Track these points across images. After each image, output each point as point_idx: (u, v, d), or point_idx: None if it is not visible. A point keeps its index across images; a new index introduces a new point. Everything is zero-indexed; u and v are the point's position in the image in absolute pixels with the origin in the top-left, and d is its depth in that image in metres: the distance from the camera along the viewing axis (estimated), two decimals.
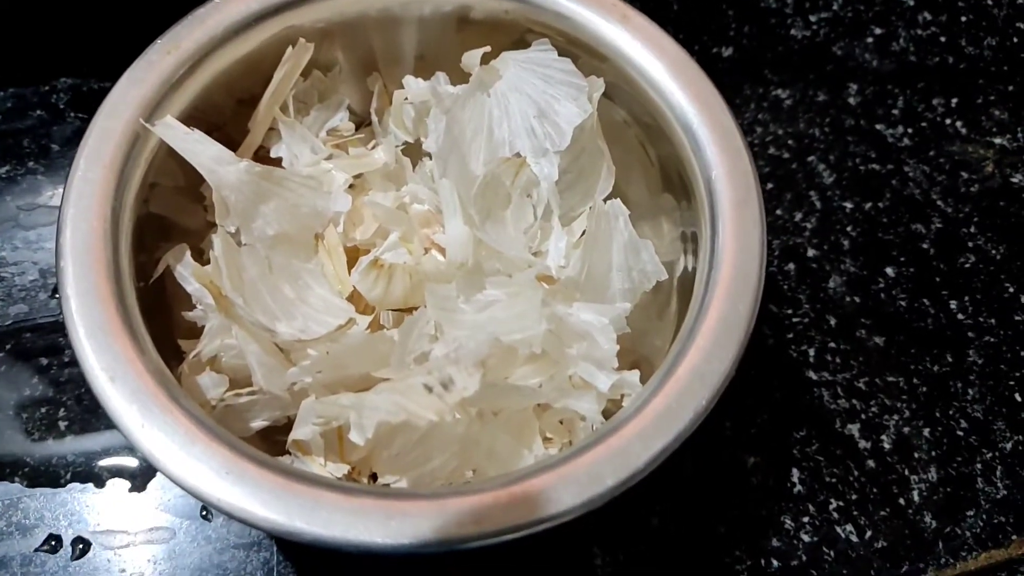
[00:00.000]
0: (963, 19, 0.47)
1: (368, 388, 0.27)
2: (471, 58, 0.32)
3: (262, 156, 0.32)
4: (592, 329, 0.28)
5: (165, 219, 0.30)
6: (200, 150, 0.29)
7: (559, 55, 0.31)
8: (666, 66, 0.30)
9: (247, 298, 0.28)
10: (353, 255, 0.32)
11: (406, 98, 0.33)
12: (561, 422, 0.28)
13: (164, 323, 0.29)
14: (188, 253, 0.29)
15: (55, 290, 0.36)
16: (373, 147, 0.34)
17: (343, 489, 0.23)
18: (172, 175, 0.29)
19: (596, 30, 0.31)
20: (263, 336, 0.28)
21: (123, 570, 0.31)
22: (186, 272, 0.29)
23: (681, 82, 0.30)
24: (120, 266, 0.27)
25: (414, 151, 0.34)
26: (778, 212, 0.40)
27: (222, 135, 0.32)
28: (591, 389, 0.28)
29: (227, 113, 0.32)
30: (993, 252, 0.40)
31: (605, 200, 0.30)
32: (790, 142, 0.42)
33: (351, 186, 0.32)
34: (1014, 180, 0.42)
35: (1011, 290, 0.39)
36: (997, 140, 0.43)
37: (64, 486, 0.32)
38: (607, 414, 0.28)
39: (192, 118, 0.30)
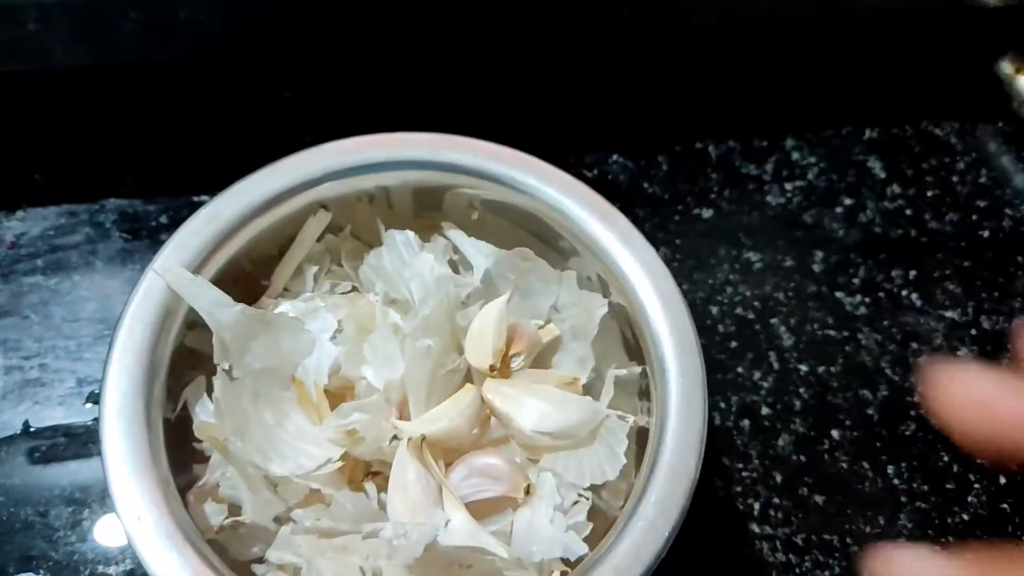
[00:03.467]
0: (929, 194, 0.52)
1: None
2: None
3: None
4: None
5: (195, 351, 0.35)
6: (201, 294, 0.33)
7: (549, 240, 0.37)
8: (637, 263, 0.35)
9: (242, 434, 0.33)
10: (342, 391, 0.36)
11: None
12: None
13: (185, 450, 0.34)
14: (204, 388, 0.34)
15: (89, 397, 0.41)
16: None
17: None
18: None
19: (582, 224, 0.36)
20: (253, 474, 0.32)
21: None
22: (199, 411, 0.34)
23: (649, 278, 0.35)
24: (153, 408, 0.31)
25: None
26: (739, 370, 0.44)
27: (248, 281, 0.37)
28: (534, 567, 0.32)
29: (253, 265, 0.37)
30: (933, 422, 0.44)
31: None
32: (756, 304, 0.46)
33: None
34: (960, 353, 0.46)
35: (945, 459, 0.43)
36: (948, 313, 0.48)
37: None
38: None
39: (225, 271, 0.35)
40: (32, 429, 0.40)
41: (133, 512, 0.29)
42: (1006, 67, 0.54)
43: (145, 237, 0.45)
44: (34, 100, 0.45)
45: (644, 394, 0.35)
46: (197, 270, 0.34)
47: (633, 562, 0.29)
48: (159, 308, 0.33)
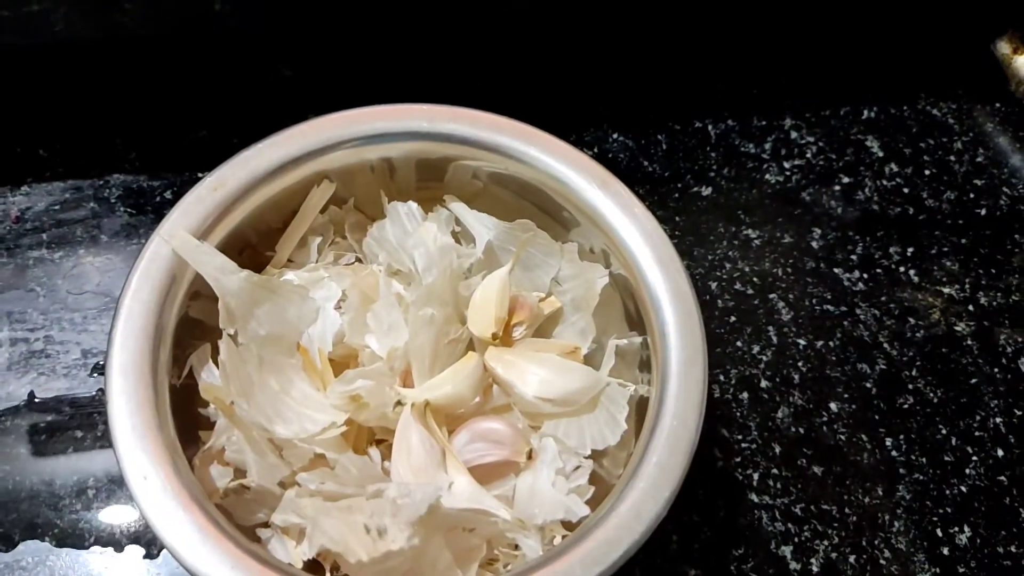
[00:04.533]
0: (926, 172, 0.52)
1: None
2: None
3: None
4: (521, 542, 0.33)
5: (201, 321, 0.35)
6: (207, 260, 0.34)
7: (550, 211, 0.37)
8: (637, 230, 0.35)
9: (247, 398, 0.33)
10: (346, 360, 0.37)
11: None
12: (516, 546, 0.33)
13: (191, 415, 0.34)
14: (209, 354, 0.35)
15: (94, 368, 0.41)
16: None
17: None
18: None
19: (582, 194, 0.36)
20: (258, 438, 0.33)
21: None
22: (205, 377, 0.34)
23: (649, 246, 0.35)
24: (159, 373, 0.32)
25: None
26: (738, 344, 0.45)
27: (253, 253, 0.37)
28: (536, 530, 0.32)
29: (257, 236, 0.37)
30: (931, 395, 0.44)
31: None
32: (755, 279, 0.47)
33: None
34: (958, 328, 0.47)
35: (943, 432, 0.44)
36: (946, 289, 0.48)
37: (87, 548, 0.37)
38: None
39: (230, 240, 0.35)
40: (37, 400, 0.40)
41: (139, 472, 0.29)
42: (1003, 47, 0.54)
43: (149, 212, 0.45)
44: (38, 76, 0.46)
45: (645, 366, 0.36)
46: (202, 237, 0.34)
47: (634, 521, 0.30)
48: (165, 273, 0.33)
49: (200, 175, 0.46)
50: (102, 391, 0.40)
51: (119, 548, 0.37)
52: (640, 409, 0.35)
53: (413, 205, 0.38)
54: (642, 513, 0.30)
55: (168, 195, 0.46)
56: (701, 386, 0.32)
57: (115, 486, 0.38)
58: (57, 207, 0.45)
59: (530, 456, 0.34)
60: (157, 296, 0.32)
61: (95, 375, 0.41)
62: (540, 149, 0.37)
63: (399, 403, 0.34)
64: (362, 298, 0.37)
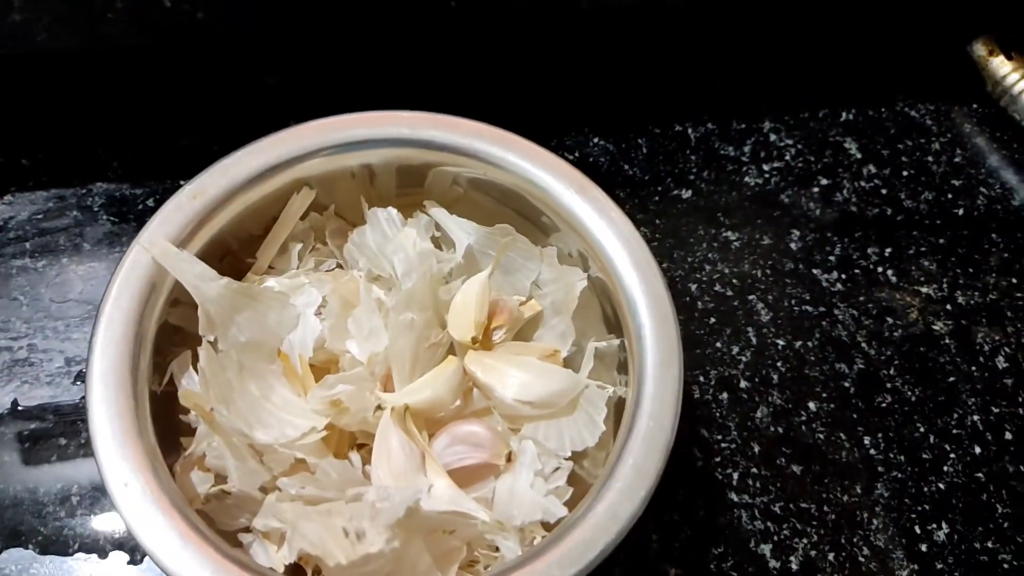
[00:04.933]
0: (904, 173, 0.53)
1: None
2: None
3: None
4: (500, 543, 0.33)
5: (181, 328, 0.35)
6: (187, 268, 0.34)
7: (530, 216, 0.38)
8: (614, 234, 0.36)
9: (227, 404, 0.33)
10: (326, 366, 0.37)
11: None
12: (498, 548, 0.33)
13: (171, 423, 0.34)
14: (189, 361, 0.35)
15: (77, 376, 0.41)
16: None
17: None
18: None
19: (560, 198, 0.37)
20: (239, 443, 0.33)
21: None
22: (186, 384, 0.34)
23: (626, 250, 0.36)
24: (139, 380, 0.32)
25: None
26: (717, 345, 0.45)
27: (233, 259, 0.38)
28: (515, 532, 0.33)
29: (238, 243, 0.37)
30: (909, 394, 0.45)
31: None
32: (734, 281, 0.47)
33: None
34: (936, 327, 0.47)
35: (921, 430, 0.44)
36: (923, 289, 0.48)
37: (71, 555, 0.37)
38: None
39: (210, 247, 0.36)
40: (21, 408, 0.40)
41: (119, 478, 0.29)
42: (979, 49, 0.55)
43: (132, 220, 0.45)
44: (20, 85, 0.46)
45: (623, 367, 0.36)
46: (182, 245, 0.34)
47: (611, 521, 0.30)
48: (145, 281, 0.33)
49: (183, 183, 0.46)
50: (85, 399, 0.40)
51: (103, 555, 0.37)
52: (618, 410, 0.35)
53: (393, 211, 0.39)
54: (618, 513, 0.30)
55: (151, 203, 0.46)
56: (676, 388, 0.33)
57: (99, 493, 0.38)
58: (40, 216, 0.45)
59: (509, 459, 0.35)
60: (137, 304, 0.33)
61: (79, 383, 0.41)
62: (519, 155, 0.37)
63: (379, 407, 0.35)
64: (342, 304, 0.37)
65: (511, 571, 0.29)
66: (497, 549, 0.34)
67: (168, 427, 0.33)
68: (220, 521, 0.33)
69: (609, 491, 0.31)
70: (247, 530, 0.34)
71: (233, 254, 0.38)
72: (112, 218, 0.45)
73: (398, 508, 0.29)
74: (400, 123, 0.38)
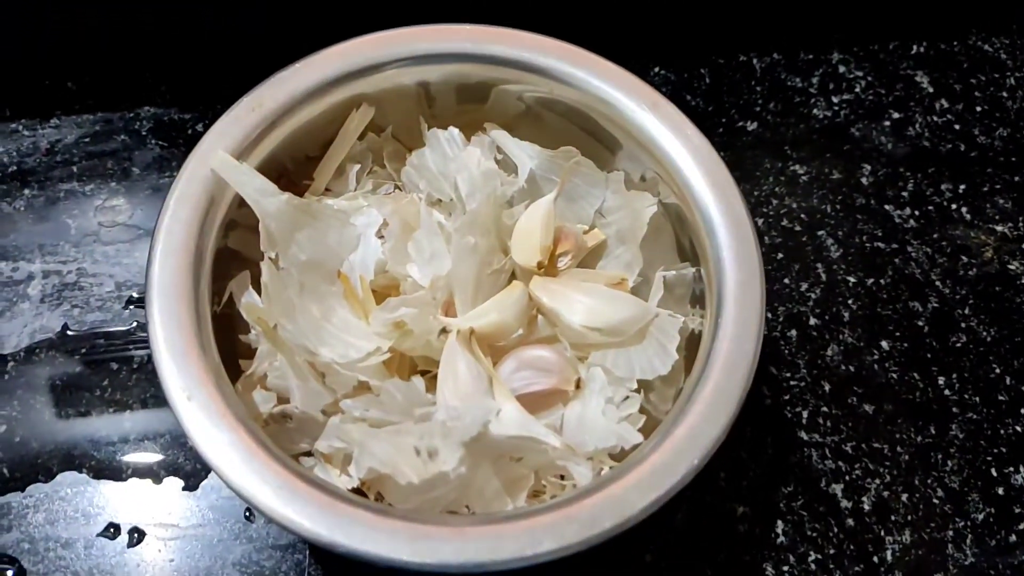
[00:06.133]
0: (978, 109, 0.50)
1: None
2: None
3: None
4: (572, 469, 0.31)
5: (238, 252, 0.34)
6: (247, 181, 0.33)
7: (597, 136, 0.36)
8: (689, 153, 0.34)
9: (290, 321, 0.32)
10: (387, 290, 0.36)
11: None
12: (562, 477, 0.32)
13: (230, 343, 0.33)
14: (249, 281, 0.34)
15: (128, 301, 0.40)
16: None
17: (377, 510, 0.27)
18: (248, 216, 0.33)
19: (631, 116, 0.35)
20: (301, 363, 0.32)
21: (171, 560, 0.35)
22: (245, 302, 0.33)
23: (702, 169, 0.34)
24: (200, 297, 0.31)
25: None
26: (785, 281, 0.43)
27: (288, 181, 0.36)
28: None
29: (293, 164, 0.36)
30: (984, 334, 0.43)
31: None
32: (803, 216, 0.45)
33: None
34: (1011, 267, 0.45)
35: (997, 371, 0.42)
36: (999, 228, 0.46)
37: (125, 480, 0.36)
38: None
39: (266, 166, 0.34)
40: (71, 333, 0.39)
41: (183, 391, 0.28)
42: None
43: (181, 145, 0.44)
44: (65, 7, 0.44)
45: (696, 301, 0.34)
46: (240, 159, 0.33)
47: (691, 446, 0.29)
48: (203, 195, 0.32)
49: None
50: (138, 323, 0.39)
51: (157, 480, 0.36)
52: (690, 343, 0.34)
53: (455, 131, 0.37)
54: (699, 438, 0.29)
55: (200, 128, 0.44)
56: (759, 311, 0.31)
57: (151, 418, 0.38)
58: (87, 140, 0.44)
59: (578, 385, 0.33)
60: (197, 216, 0.31)
61: (130, 308, 0.40)
62: (588, 70, 0.36)
63: (443, 331, 0.33)
64: (403, 226, 0.35)
65: (588, 495, 0.28)
66: (563, 478, 0.33)
67: (227, 348, 0.32)
68: (279, 444, 0.32)
69: (689, 415, 0.29)
70: (307, 454, 0.33)
71: (288, 175, 0.36)
72: (161, 142, 0.44)
73: (471, 426, 0.28)
74: (464, 37, 0.36)
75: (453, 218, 0.36)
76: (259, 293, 0.33)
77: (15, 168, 0.43)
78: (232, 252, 0.34)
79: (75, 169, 0.43)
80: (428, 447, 0.28)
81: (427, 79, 0.37)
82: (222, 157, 0.32)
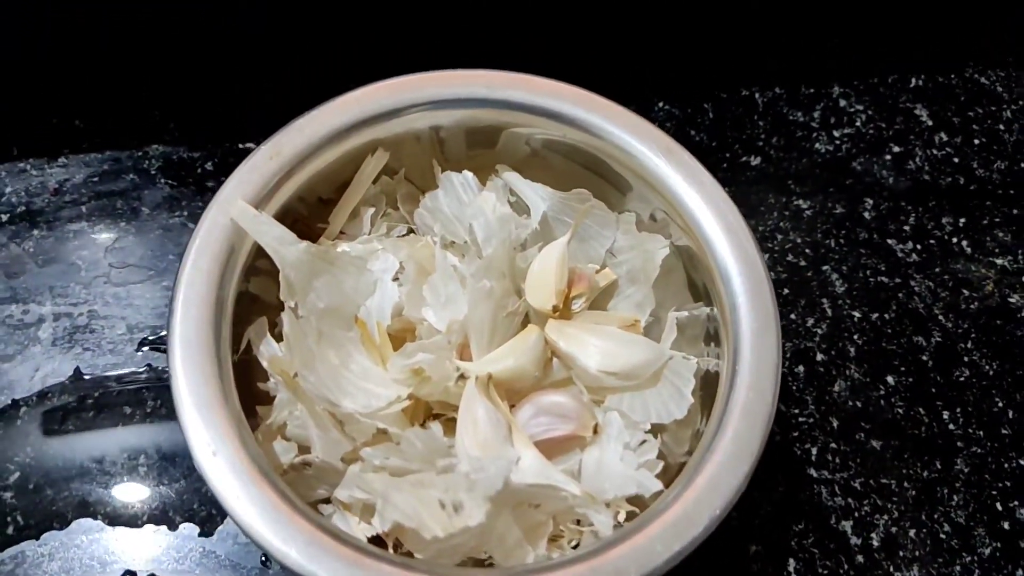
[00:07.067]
0: (976, 142, 0.51)
1: None
2: None
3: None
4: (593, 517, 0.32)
5: (257, 297, 0.34)
6: (267, 231, 0.33)
7: (607, 178, 0.37)
8: (703, 198, 0.35)
9: (311, 371, 0.32)
10: (403, 334, 0.36)
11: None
12: (578, 521, 0.32)
13: (247, 388, 0.33)
14: (266, 328, 0.34)
15: (141, 343, 0.40)
16: None
17: (402, 564, 0.27)
18: (267, 262, 0.33)
19: (645, 162, 0.35)
20: (321, 412, 0.32)
21: None
22: (264, 350, 0.33)
23: (714, 213, 0.34)
24: (221, 346, 0.31)
25: None
26: (792, 316, 0.44)
27: (303, 225, 0.36)
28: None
29: (307, 208, 0.36)
30: (987, 368, 0.44)
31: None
32: (807, 251, 0.46)
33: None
34: (1012, 300, 0.46)
35: (1000, 404, 0.43)
36: (999, 261, 0.47)
37: (141, 527, 0.36)
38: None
39: (282, 211, 0.34)
40: (84, 376, 0.39)
41: (208, 447, 0.28)
42: None
43: (191, 184, 0.44)
44: (72, 42, 0.44)
45: (711, 338, 0.35)
46: (259, 207, 0.33)
47: (713, 495, 0.29)
48: (224, 244, 0.32)
49: (242, 146, 0.45)
50: (150, 366, 0.39)
51: (172, 527, 0.36)
52: (705, 383, 0.34)
53: (469, 175, 0.37)
54: (720, 487, 0.29)
55: (209, 167, 0.45)
56: (775, 356, 0.31)
57: (166, 463, 0.37)
58: (96, 179, 0.44)
59: (595, 430, 0.34)
60: (217, 266, 0.32)
61: (142, 350, 0.40)
62: (601, 116, 0.36)
63: (461, 377, 0.34)
64: (418, 270, 0.36)
65: (612, 546, 0.28)
66: (579, 523, 0.33)
67: (244, 392, 0.32)
68: (299, 492, 0.32)
69: (709, 464, 0.30)
70: (326, 501, 0.33)
71: (303, 219, 0.36)
72: (170, 181, 0.44)
73: (495, 479, 0.28)
74: (479, 82, 0.36)
75: (467, 261, 0.36)
76: (276, 340, 0.33)
77: (23, 208, 0.43)
78: (251, 296, 0.34)
79: (84, 209, 0.43)
80: (453, 501, 0.28)
81: (440, 123, 0.37)
82: (242, 207, 0.32)
